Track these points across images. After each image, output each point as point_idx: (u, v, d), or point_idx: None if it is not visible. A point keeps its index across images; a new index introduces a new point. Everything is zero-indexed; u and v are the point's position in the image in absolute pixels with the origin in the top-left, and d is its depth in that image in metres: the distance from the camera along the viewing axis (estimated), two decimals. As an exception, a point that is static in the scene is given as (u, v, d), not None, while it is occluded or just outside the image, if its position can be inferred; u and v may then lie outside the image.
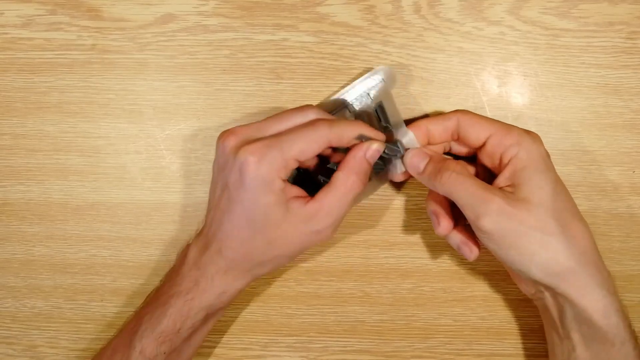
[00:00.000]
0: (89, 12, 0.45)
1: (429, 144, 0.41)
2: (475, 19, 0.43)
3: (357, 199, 0.39)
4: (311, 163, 0.42)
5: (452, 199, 0.38)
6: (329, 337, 0.47)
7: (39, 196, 0.47)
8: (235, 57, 0.44)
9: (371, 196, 0.45)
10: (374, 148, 0.38)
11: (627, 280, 0.45)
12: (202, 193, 0.46)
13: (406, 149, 0.40)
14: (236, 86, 0.45)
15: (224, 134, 0.38)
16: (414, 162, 0.40)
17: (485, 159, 0.39)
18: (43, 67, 0.45)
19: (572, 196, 0.44)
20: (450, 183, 0.37)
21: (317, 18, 0.44)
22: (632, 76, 0.43)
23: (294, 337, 0.47)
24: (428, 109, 0.44)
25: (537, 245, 0.36)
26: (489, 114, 0.44)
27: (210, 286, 0.39)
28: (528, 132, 0.38)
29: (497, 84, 0.44)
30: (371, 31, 0.43)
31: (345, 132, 0.38)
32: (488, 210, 0.36)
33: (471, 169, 0.42)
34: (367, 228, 0.46)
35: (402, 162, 0.40)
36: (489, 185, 0.37)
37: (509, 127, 0.38)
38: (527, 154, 0.37)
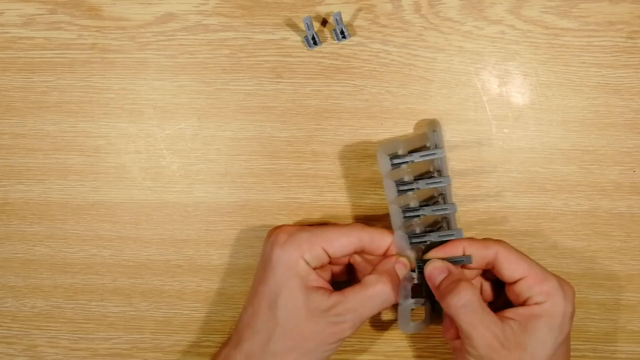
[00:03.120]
0: (89, 11, 0.45)
1: (461, 267, 0.40)
2: (475, 18, 0.43)
3: (385, 306, 0.39)
4: (343, 261, 0.42)
5: (453, 318, 0.37)
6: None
7: (39, 196, 0.47)
8: (236, 56, 0.44)
9: (373, 196, 0.45)
10: (402, 261, 0.39)
11: (627, 280, 0.45)
12: (202, 193, 0.46)
13: (428, 260, 0.40)
14: (236, 85, 0.45)
15: (272, 239, 0.40)
16: (433, 273, 0.39)
17: (511, 295, 0.39)
18: (43, 66, 0.45)
19: (572, 196, 0.44)
20: (457, 308, 0.36)
21: (317, 17, 0.44)
22: (633, 76, 0.43)
23: (294, 337, 0.47)
24: (428, 108, 0.44)
25: None
26: (489, 114, 0.44)
27: None
28: (563, 285, 0.37)
29: (498, 84, 0.44)
30: (371, 30, 0.43)
31: (378, 239, 0.39)
32: (480, 343, 0.36)
33: (485, 285, 0.42)
34: (367, 228, 0.46)
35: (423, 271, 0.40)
36: (493, 319, 0.37)
37: (547, 275, 0.38)
38: (552, 307, 0.36)
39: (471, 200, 0.45)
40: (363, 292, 0.38)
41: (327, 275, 0.42)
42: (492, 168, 0.45)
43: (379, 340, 0.47)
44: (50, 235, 0.47)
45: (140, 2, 0.44)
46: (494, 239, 0.40)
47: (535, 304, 0.37)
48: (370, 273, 0.39)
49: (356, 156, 0.45)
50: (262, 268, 0.40)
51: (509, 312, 0.38)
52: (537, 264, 0.39)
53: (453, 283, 0.37)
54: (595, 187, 0.44)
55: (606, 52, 0.43)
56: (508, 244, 0.40)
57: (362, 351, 0.47)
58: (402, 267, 0.39)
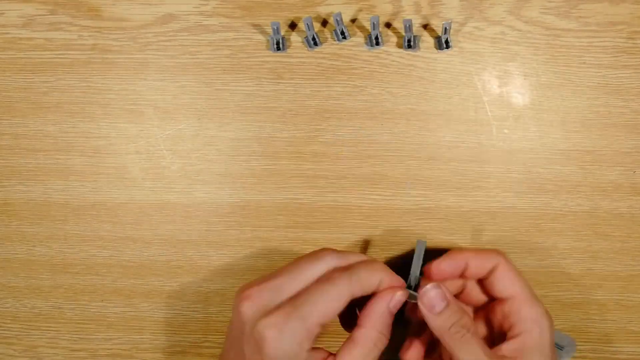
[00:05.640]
0: (89, 11, 0.45)
1: (461, 276, 0.39)
2: (476, 19, 0.43)
3: (381, 352, 0.36)
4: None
5: (450, 352, 0.36)
6: (329, 337, 0.47)
7: (40, 196, 0.47)
8: (236, 57, 0.44)
9: (373, 196, 0.45)
10: (397, 299, 0.37)
11: (627, 281, 0.45)
12: (202, 193, 0.46)
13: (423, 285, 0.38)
14: (237, 86, 0.45)
15: (239, 297, 0.35)
16: (432, 301, 0.36)
17: (497, 316, 0.38)
18: (43, 67, 0.45)
19: (573, 196, 0.44)
20: (459, 341, 0.35)
21: (317, 18, 0.44)
22: (633, 76, 0.43)
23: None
24: (429, 109, 0.44)
25: None
26: (489, 114, 0.44)
27: None
28: (548, 314, 0.37)
29: (498, 84, 0.44)
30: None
31: (367, 282, 0.36)
32: None
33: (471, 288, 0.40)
34: (368, 228, 0.46)
35: (419, 296, 0.37)
36: (494, 355, 0.35)
37: (535, 300, 0.37)
38: (541, 336, 0.36)
39: (471, 200, 0.45)
40: (362, 350, 0.35)
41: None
42: (492, 168, 0.45)
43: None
44: (50, 236, 0.47)
45: (141, 2, 0.44)
46: (493, 249, 0.39)
47: (524, 332, 0.36)
48: (357, 324, 0.37)
49: (356, 157, 0.45)
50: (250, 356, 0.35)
51: (501, 350, 0.36)
52: (529, 285, 0.38)
53: (455, 314, 0.36)
54: (596, 188, 0.44)
55: (606, 53, 0.43)
56: (508, 258, 0.38)
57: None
58: (399, 303, 0.37)
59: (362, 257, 0.38)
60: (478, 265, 0.38)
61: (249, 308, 0.35)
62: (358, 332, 0.36)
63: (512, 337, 0.36)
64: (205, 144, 0.46)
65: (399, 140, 0.45)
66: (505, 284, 0.37)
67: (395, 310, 0.37)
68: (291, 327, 0.33)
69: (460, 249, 0.39)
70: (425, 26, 0.44)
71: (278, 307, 0.34)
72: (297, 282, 0.35)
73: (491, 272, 0.38)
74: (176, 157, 0.46)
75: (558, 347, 0.40)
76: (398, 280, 0.37)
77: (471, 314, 0.41)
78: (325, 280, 0.35)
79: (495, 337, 0.39)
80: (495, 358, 0.35)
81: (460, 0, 0.43)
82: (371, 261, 0.37)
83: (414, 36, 0.43)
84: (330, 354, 0.36)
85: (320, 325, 0.35)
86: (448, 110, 0.44)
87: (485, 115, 0.44)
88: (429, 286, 0.37)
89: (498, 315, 0.38)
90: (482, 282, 0.39)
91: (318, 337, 0.35)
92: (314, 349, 0.35)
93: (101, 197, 0.46)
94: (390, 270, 0.37)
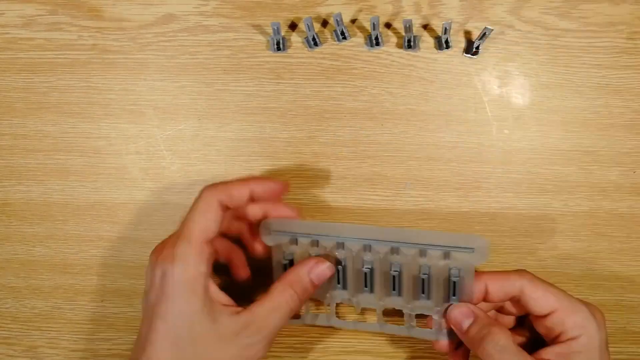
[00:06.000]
0: (89, 12, 0.45)
1: (484, 300, 0.37)
2: (476, 19, 0.43)
3: (292, 314, 0.37)
4: (225, 246, 0.41)
5: None
6: (329, 337, 0.47)
7: (40, 196, 0.47)
8: (236, 57, 0.44)
9: (373, 197, 0.45)
10: (322, 269, 0.37)
11: (627, 281, 0.45)
12: (202, 193, 0.46)
13: (450, 304, 0.37)
14: (237, 86, 0.45)
15: (151, 263, 0.36)
16: (458, 318, 0.37)
17: (541, 328, 0.37)
18: (43, 67, 0.45)
19: (573, 196, 0.44)
20: (493, 355, 0.34)
21: (317, 18, 0.44)
22: (633, 76, 0.43)
23: (295, 338, 0.47)
24: (429, 109, 0.44)
25: None
26: (489, 115, 0.44)
27: None
28: (594, 313, 0.35)
29: (498, 85, 0.44)
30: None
31: (236, 189, 0.36)
32: None
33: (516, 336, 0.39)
34: (367, 228, 0.46)
35: (445, 316, 0.37)
36: (531, 358, 0.34)
37: (576, 305, 0.35)
38: (588, 340, 0.35)
39: (472, 201, 0.45)
40: (272, 303, 0.36)
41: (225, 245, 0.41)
42: (492, 169, 0.45)
43: (379, 341, 0.47)
44: (50, 236, 0.47)
45: (141, 3, 0.44)
46: (517, 270, 0.37)
47: (570, 339, 0.35)
48: (276, 281, 0.37)
49: (356, 157, 0.45)
50: (155, 300, 0.35)
51: (545, 353, 0.35)
52: (565, 292, 0.36)
53: (485, 328, 0.35)
54: (596, 188, 0.44)
55: (606, 53, 0.43)
56: (532, 275, 0.37)
57: (362, 351, 0.47)
58: (324, 275, 0.38)
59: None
60: (499, 290, 0.36)
61: (154, 257, 0.36)
62: (273, 286, 0.36)
63: (558, 343, 0.35)
64: (205, 144, 0.46)
65: (399, 141, 0.45)
66: (539, 303, 0.36)
67: (318, 281, 0.37)
68: (180, 253, 0.34)
69: (480, 274, 0.37)
70: (425, 26, 0.44)
71: (165, 242, 0.35)
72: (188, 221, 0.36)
73: (519, 295, 0.36)
74: (176, 157, 0.46)
75: (468, 249, 0.36)
76: (271, 185, 0.38)
77: (512, 323, 0.40)
78: (197, 201, 0.36)
79: (541, 344, 0.37)
80: (528, 357, 0.34)
81: (460, 0, 0.43)
82: (245, 180, 0.38)
83: (414, 36, 0.43)
84: (243, 308, 0.36)
85: (206, 242, 0.35)
86: (448, 110, 0.44)
87: (485, 116, 0.44)
88: (453, 305, 0.37)
89: (542, 328, 0.37)
90: (516, 301, 0.37)
91: (212, 261, 0.35)
92: (219, 291, 0.36)
93: (101, 197, 0.46)
94: (266, 180, 0.38)
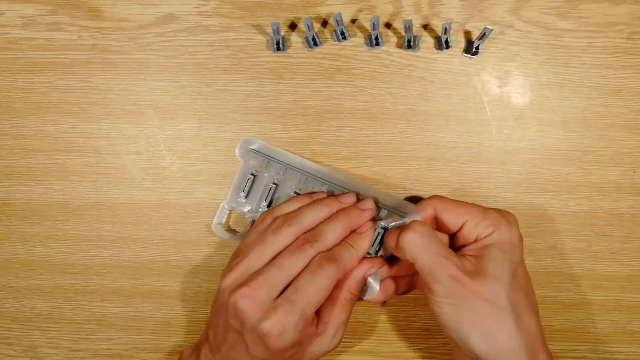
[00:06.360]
0: (89, 12, 0.45)
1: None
2: (476, 19, 0.43)
3: None
4: None
5: (412, 260, 0.38)
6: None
7: (40, 196, 0.47)
8: (236, 57, 0.44)
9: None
10: (373, 270, 0.41)
11: (627, 281, 0.45)
12: (202, 193, 0.46)
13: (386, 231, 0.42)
14: (237, 86, 0.45)
15: (234, 295, 0.37)
16: (389, 239, 0.40)
17: (461, 241, 0.40)
18: (43, 67, 0.45)
19: (573, 196, 0.44)
20: (413, 244, 0.38)
21: (317, 18, 0.44)
22: (633, 76, 0.43)
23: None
24: (429, 109, 0.44)
25: (482, 316, 0.36)
26: (489, 115, 0.44)
27: None
28: (504, 215, 0.39)
29: (498, 84, 0.44)
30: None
31: (350, 266, 0.40)
32: (442, 275, 0.36)
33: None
34: (367, 228, 0.46)
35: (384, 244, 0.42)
36: (450, 251, 0.38)
37: (485, 211, 0.39)
38: (499, 234, 0.38)
39: (472, 200, 0.45)
40: (340, 308, 0.40)
41: None
42: (492, 169, 0.45)
43: (378, 341, 0.47)
44: (50, 236, 0.47)
45: (141, 3, 0.44)
46: (430, 196, 0.41)
47: (484, 237, 0.38)
48: (336, 286, 0.40)
49: (356, 157, 0.45)
50: (259, 350, 0.38)
51: (463, 250, 0.39)
52: (474, 204, 0.40)
53: (407, 227, 0.39)
54: (596, 188, 0.44)
55: (606, 53, 0.43)
56: (442, 197, 0.41)
57: (362, 351, 0.47)
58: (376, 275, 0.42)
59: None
60: (418, 217, 0.40)
61: (248, 307, 0.37)
62: (339, 295, 0.40)
63: (475, 242, 0.39)
64: (205, 144, 0.46)
65: (399, 141, 0.45)
66: (451, 216, 0.40)
67: (368, 276, 0.41)
68: (292, 321, 0.37)
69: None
70: (425, 26, 0.44)
71: (276, 304, 0.37)
72: (287, 274, 0.38)
73: (435, 216, 0.40)
74: (176, 157, 0.46)
75: (400, 214, 0.41)
76: (378, 261, 0.41)
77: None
78: (315, 271, 0.38)
79: None
80: (448, 256, 0.37)
81: (460, 0, 0.43)
82: (346, 244, 0.40)
83: (414, 36, 0.43)
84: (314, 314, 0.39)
85: (315, 310, 0.38)
86: (448, 110, 0.44)
87: (485, 116, 0.44)
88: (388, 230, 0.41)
89: (462, 242, 0.40)
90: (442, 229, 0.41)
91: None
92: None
93: (101, 197, 0.46)
94: (375, 259, 0.41)
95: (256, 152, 0.44)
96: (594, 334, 0.46)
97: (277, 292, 0.37)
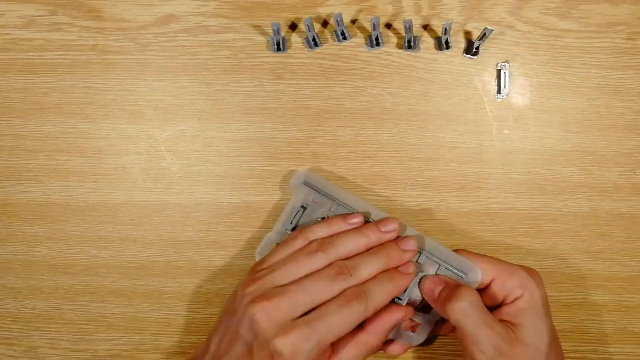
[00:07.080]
0: (89, 12, 0.45)
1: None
2: (476, 20, 0.43)
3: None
4: None
5: (456, 325, 0.37)
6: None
7: (40, 197, 0.47)
8: (236, 57, 0.44)
9: (373, 197, 0.45)
10: (403, 320, 0.40)
11: (627, 281, 0.45)
12: (202, 194, 0.46)
13: (424, 276, 0.40)
14: (237, 86, 0.45)
15: (254, 306, 0.36)
16: (430, 287, 0.40)
17: (488, 299, 0.39)
18: (44, 67, 0.45)
19: (573, 197, 0.44)
20: (462, 313, 0.37)
21: (317, 18, 0.44)
22: (633, 77, 0.43)
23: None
24: (429, 109, 0.44)
25: None
26: (489, 115, 0.44)
27: None
28: (531, 273, 0.39)
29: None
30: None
31: (380, 305, 0.38)
32: (488, 348, 0.36)
33: None
34: (367, 229, 0.46)
35: (419, 289, 0.40)
36: (494, 320, 0.37)
37: (512, 269, 0.39)
38: (530, 296, 0.38)
39: (472, 201, 0.45)
40: (360, 350, 0.38)
41: None
42: (492, 169, 0.45)
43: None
44: (50, 237, 0.47)
45: (141, 3, 0.44)
46: (454, 249, 0.41)
47: (516, 299, 0.38)
48: (363, 328, 0.39)
49: (356, 157, 0.45)
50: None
51: (499, 313, 0.38)
52: (499, 260, 0.39)
53: (453, 289, 0.38)
54: (596, 188, 0.44)
55: (606, 54, 0.43)
56: (467, 251, 0.40)
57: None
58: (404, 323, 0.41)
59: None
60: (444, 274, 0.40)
61: (265, 320, 0.36)
62: (363, 336, 0.38)
63: (506, 304, 0.38)
64: (205, 144, 0.46)
65: (399, 141, 0.45)
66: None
67: (397, 325, 0.40)
68: (307, 347, 0.35)
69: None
70: (426, 27, 0.44)
71: (294, 325, 0.36)
72: (312, 298, 0.37)
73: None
74: (176, 157, 0.46)
75: (462, 273, 0.40)
76: (408, 310, 0.40)
77: None
78: (343, 304, 0.37)
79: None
80: (493, 326, 0.37)
81: (460, 0, 0.43)
82: (381, 281, 0.39)
83: (414, 37, 0.43)
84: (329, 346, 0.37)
85: (332, 342, 0.37)
86: (448, 110, 0.44)
87: (485, 116, 0.44)
88: (425, 277, 0.40)
89: (488, 299, 0.39)
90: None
91: None
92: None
93: (101, 197, 0.46)
94: (406, 308, 0.40)
95: (310, 185, 0.43)
96: (594, 334, 0.46)
97: (298, 314, 0.36)
